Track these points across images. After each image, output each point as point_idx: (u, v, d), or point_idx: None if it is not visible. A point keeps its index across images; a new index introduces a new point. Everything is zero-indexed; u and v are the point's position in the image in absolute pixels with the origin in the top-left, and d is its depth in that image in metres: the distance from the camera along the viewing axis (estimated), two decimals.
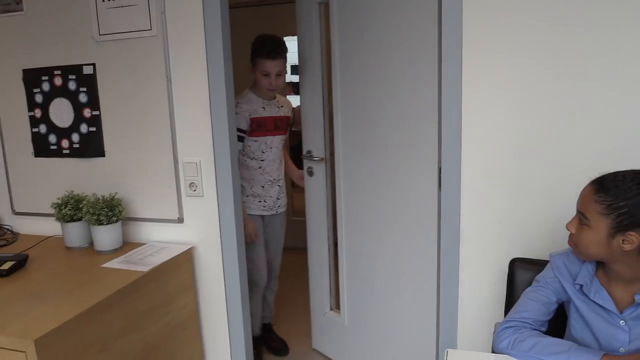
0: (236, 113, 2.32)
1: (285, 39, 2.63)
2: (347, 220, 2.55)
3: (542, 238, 1.80)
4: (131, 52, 2.20)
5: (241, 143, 2.51)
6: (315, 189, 2.79)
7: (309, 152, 2.76)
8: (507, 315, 1.46)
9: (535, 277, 1.49)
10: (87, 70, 2.29)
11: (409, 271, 2.21)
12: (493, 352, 1.42)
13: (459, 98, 1.81)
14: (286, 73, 2.60)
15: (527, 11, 1.69)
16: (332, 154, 2.62)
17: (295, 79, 4.59)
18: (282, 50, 2.50)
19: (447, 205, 1.91)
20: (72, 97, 2.34)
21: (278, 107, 2.67)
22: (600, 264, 1.39)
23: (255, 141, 2.60)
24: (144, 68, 2.20)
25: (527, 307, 1.44)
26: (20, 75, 2.42)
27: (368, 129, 2.32)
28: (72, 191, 2.35)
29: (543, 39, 1.69)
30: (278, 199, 2.76)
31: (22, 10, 2.36)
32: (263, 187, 2.68)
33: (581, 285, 1.39)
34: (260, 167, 2.64)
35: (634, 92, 1.63)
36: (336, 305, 2.86)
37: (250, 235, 2.58)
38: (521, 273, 1.65)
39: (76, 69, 2.30)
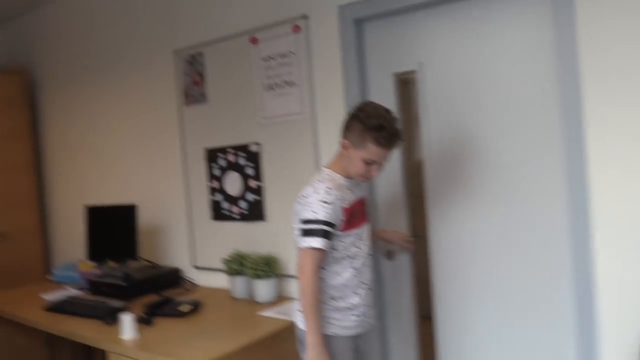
0: (325, 202, 1.79)
1: None
2: (445, 302, 2.35)
3: None
4: (287, 132, 2.61)
5: (326, 241, 1.78)
6: (397, 274, 2.49)
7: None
8: None
9: None
10: (254, 148, 2.75)
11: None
12: None
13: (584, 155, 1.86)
14: None
15: None
16: (415, 234, 2.46)
17: None
18: (400, 138, 1.86)
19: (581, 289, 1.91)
20: (242, 170, 2.81)
21: (358, 186, 2.01)
22: None
23: (349, 236, 1.88)
24: (297, 145, 2.59)
25: None
26: (203, 153, 2.98)
27: (473, 203, 2.23)
28: (239, 250, 2.78)
29: None
30: (371, 306, 2.00)
31: (206, 101, 2.94)
32: (357, 293, 1.92)
33: None
34: (353, 268, 1.91)
35: None
36: None
37: None
38: None
39: (245, 148, 2.78)
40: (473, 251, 2.26)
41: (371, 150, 1.81)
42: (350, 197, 1.90)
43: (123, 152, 3.51)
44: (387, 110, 1.86)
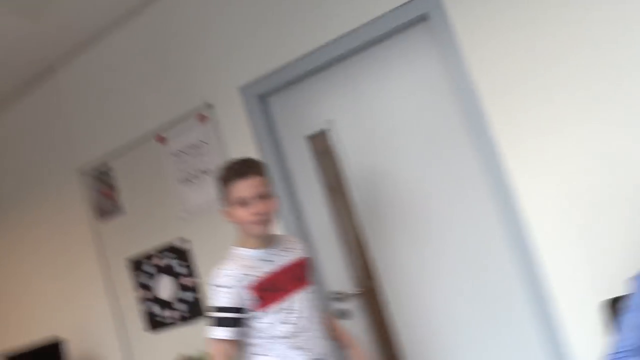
0: (221, 286, 1.65)
1: None
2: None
3: None
4: (214, 219, 2.52)
5: (232, 330, 1.62)
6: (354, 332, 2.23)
7: (337, 292, 2.38)
8: (610, 349, 1.44)
9: (626, 303, 1.48)
10: (181, 245, 2.64)
11: None
12: None
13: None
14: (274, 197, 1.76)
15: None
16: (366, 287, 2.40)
17: None
18: (255, 165, 1.75)
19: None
20: (172, 271, 2.66)
21: (286, 250, 1.81)
22: None
23: (274, 313, 1.67)
24: (226, 230, 2.49)
25: (627, 335, 1.42)
26: (126, 265, 2.81)
27: (417, 246, 2.23)
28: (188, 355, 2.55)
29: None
30: None
31: (123, 212, 2.83)
32: None
33: None
34: (296, 348, 1.67)
35: None
36: None
37: None
38: None
39: (171, 247, 2.66)
40: (431, 298, 2.23)
41: (232, 191, 1.69)
42: (261, 270, 1.68)
43: (41, 287, 3.22)
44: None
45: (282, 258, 1.77)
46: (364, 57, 2.31)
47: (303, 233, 2.40)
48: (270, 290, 1.68)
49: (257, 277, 1.67)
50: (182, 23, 2.64)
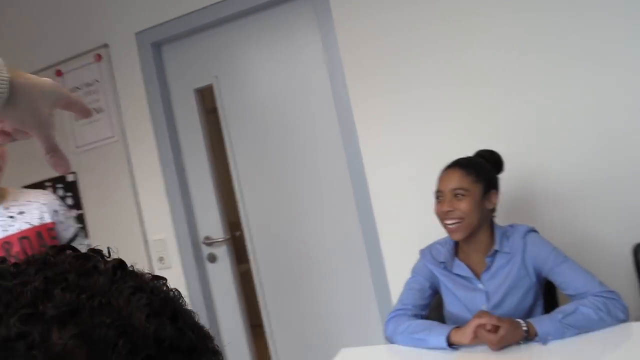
0: None
1: None
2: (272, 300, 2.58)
3: None
4: (102, 156, 2.67)
5: None
6: (220, 275, 2.65)
7: (207, 237, 2.66)
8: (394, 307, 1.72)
9: (412, 269, 1.75)
10: (70, 178, 2.76)
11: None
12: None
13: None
14: None
15: None
16: (232, 235, 2.67)
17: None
18: None
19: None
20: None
21: (12, 214, 1.42)
22: (456, 244, 1.66)
23: None
24: (112, 167, 2.66)
25: (406, 296, 1.69)
26: None
27: (283, 199, 2.49)
28: None
29: None
30: None
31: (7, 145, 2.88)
32: None
33: (444, 263, 1.65)
34: None
35: None
36: None
37: None
38: None
39: (62, 179, 2.78)
40: (288, 246, 2.51)
41: None
42: None
43: None
44: None
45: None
46: (252, 20, 2.45)
47: (182, 180, 2.61)
48: None
49: None
50: None
